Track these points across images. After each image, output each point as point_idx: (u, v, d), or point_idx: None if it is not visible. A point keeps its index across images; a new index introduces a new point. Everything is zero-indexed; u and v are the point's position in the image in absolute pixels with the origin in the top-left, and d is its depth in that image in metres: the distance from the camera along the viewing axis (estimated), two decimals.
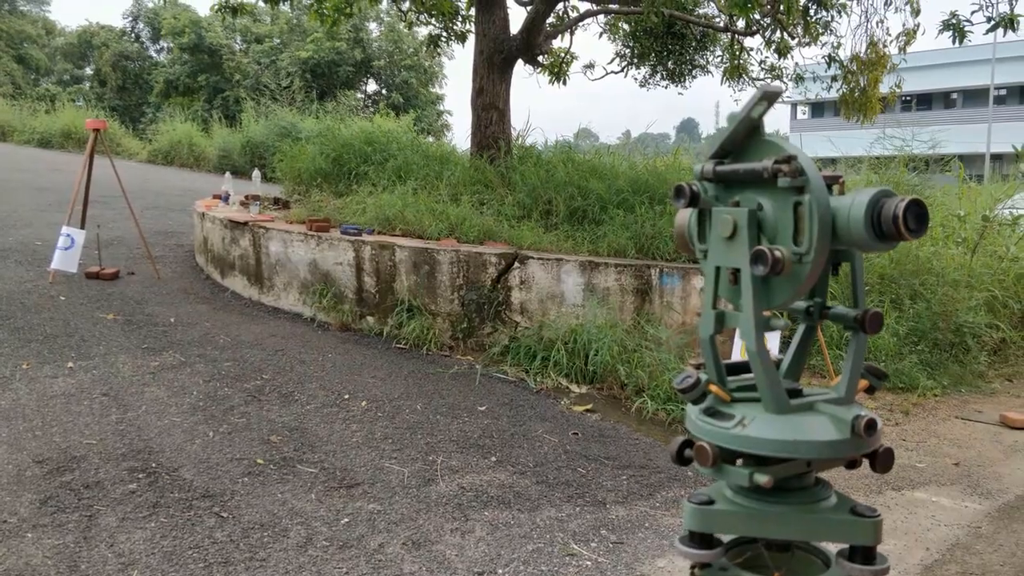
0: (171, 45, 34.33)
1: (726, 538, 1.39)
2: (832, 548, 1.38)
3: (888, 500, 4.08)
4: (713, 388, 1.36)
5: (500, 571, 3.22)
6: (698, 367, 1.41)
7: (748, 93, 13.15)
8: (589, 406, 5.29)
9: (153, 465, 3.97)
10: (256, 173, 9.51)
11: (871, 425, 1.25)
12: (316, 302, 6.77)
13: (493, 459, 4.33)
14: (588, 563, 3.32)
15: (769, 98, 1.28)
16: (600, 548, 3.46)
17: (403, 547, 3.36)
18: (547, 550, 3.41)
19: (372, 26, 32.98)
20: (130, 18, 38.51)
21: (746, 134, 1.34)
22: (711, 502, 1.35)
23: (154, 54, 38.95)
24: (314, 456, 4.21)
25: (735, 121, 1.32)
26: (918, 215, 1.17)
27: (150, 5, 37.65)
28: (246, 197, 8.88)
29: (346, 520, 3.57)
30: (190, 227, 9.94)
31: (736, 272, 1.31)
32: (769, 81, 11.21)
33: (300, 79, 27.82)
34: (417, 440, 4.50)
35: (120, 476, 3.84)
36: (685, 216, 1.48)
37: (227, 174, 10.41)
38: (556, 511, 3.78)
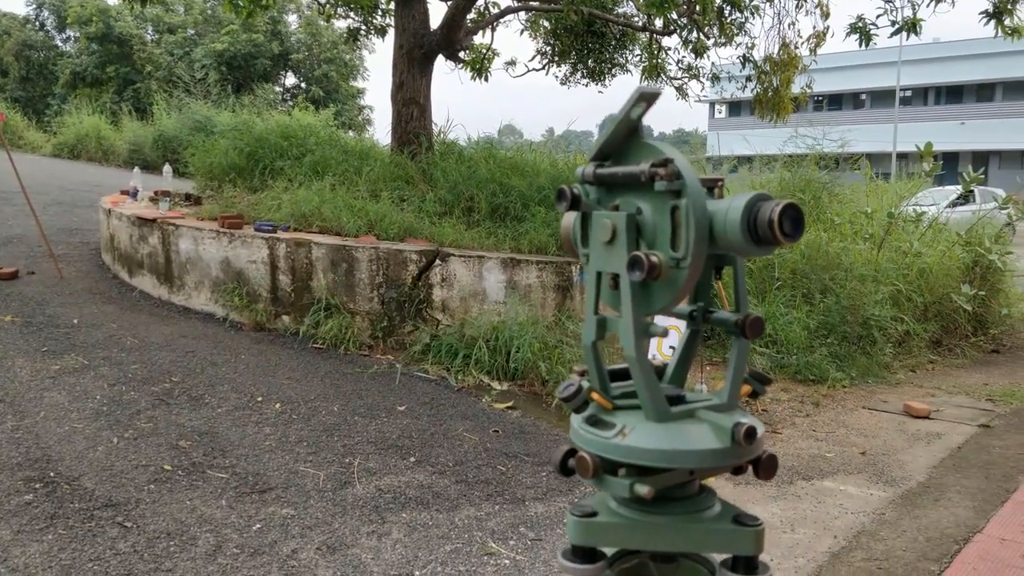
0: (78, 34, 32.95)
1: (610, 550, 1.37)
2: (718, 556, 1.38)
3: (799, 489, 4.19)
4: (595, 396, 1.33)
5: (417, 573, 3.17)
6: (582, 374, 1.38)
7: (666, 92, 13.36)
8: (510, 403, 5.27)
9: (51, 474, 3.78)
10: (167, 168, 9.19)
11: (751, 433, 1.22)
12: (229, 301, 6.57)
13: (412, 459, 4.27)
14: (506, 561, 3.30)
15: (647, 99, 1.26)
16: (519, 546, 3.44)
17: (317, 552, 3.28)
18: (465, 550, 3.37)
19: (291, 19, 32.34)
20: (34, 5, 36.80)
21: (626, 136, 1.32)
22: (594, 514, 1.31)
23: (60, 43, 37.33)
24: (225, 461, 4.07)
25: (614, 123, 1.30)
26: (794, 219, 1.15)
27: None
28: (155, 193, 8.57)
29: (258, 526, 3.46)
30: (96, 224, 9.54)
31: (616, 277, 1.29)
32: (686, 80, 11.43)
33: (215, 72, 27.07)
34: (333, 442, 4.40)
35: (15, 487, 3.64)
36: (571, 219, 1.45)
37: (136, 169, 10.03)
38: (475, 510, 3.75)
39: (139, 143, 18.21)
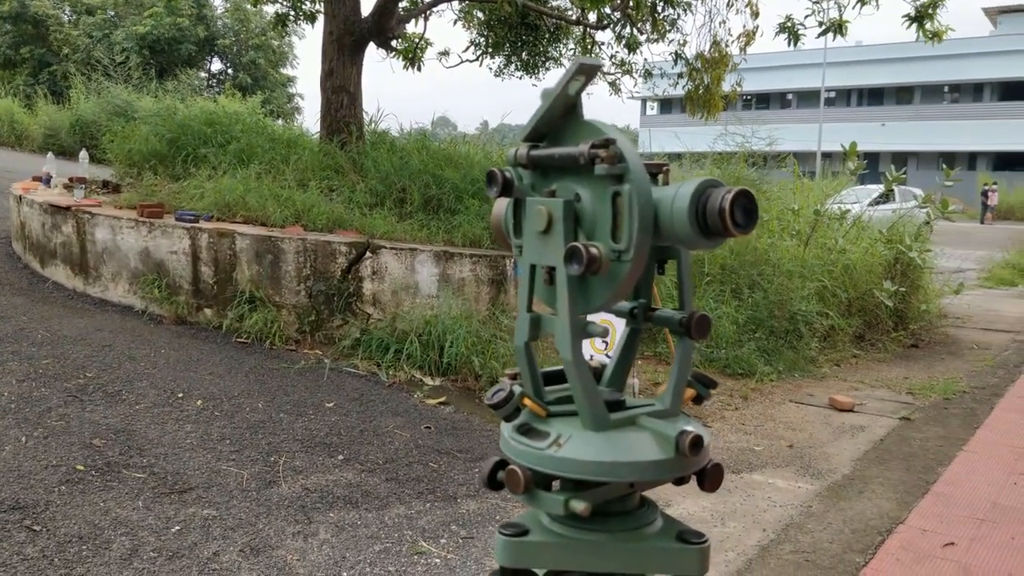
0: None
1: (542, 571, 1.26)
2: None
3: (728, 483, 4.22)
4: (527, 402, 1.22)
5: (345, 574, 3.07)
6: (514, 377, 1.26)
7: (599, 88, 13.42)
8: (443, 399, 5.19)
9: None
10: (83, 154, 8.80)
11: (697, 442, 1.13)
12: (148, 293, 6.31)
13: (340, 457, 4.15)
14: (437, 560, 3.23)
15: (586, 72, 1.14)
16: (450, 544, 3.37)
17: (240, 554, 3.15)
18: (395, 549, 3.29)
19: (217, 2, 31.46)
20: None
21: (563, 114, 1.19)
22: (525, 532, 1.21)
23: None
24: (142, 460, 3.89)
25: (550, 98, 1.16)
26: (746, 209, 1.06)
27: None
28: (70, 180, 8.19)
29: (177, 528, 3.31)
30: (6, 212, 9.08)
31: (552, 271, 1.17)
32: (619, 76, 11.49)
33: (137, 55, 26.14)
34: (258, 440, 4.25)
35: None
36: (502, 207, 1.33)
37: (49, 154, 9.57)
38: (406, 508, 3.66)
39: (55, 128, 17.45)
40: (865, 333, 7.72)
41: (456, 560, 3.24)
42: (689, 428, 1.14)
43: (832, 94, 48.81)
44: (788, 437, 5.02)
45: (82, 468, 3.75)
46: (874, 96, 50.07)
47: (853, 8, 7.84)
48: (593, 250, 1.09)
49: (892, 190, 9.37)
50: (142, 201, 6.88)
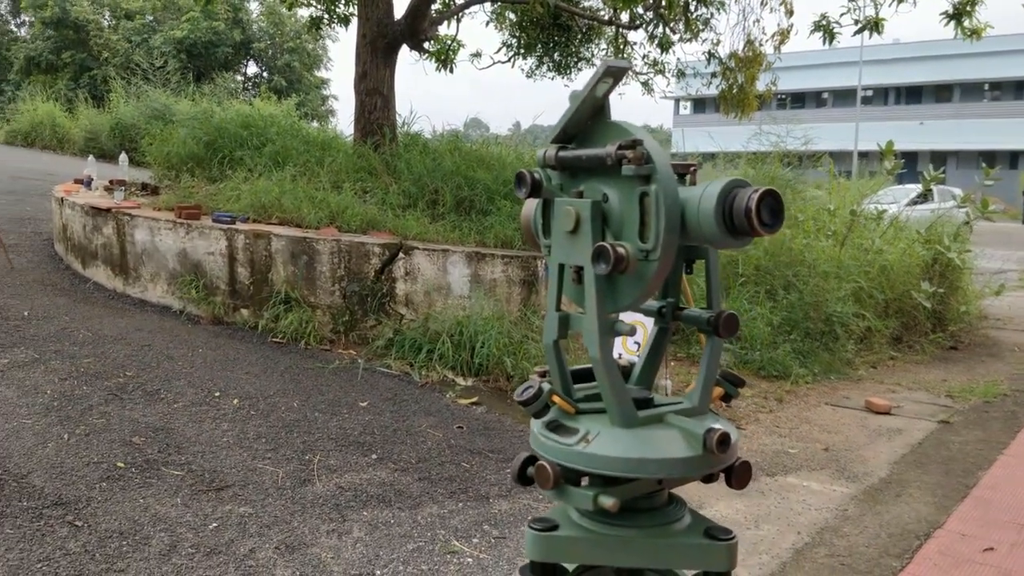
0: (32, 19, 32.11)
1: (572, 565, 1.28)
2: (688, 571, 1.29)
3: (762, 486, 4.18)
4: (556, 399, 1.24)
5: (378, 572, 3.10)
6: (543, 375, 1.28)
7: (631, 88, 13.37)
8: (475, 399, 5.21)
9: None
10: (123, 157, 8.95)
11: (724, 440, 1.15)
12: (186, 294, 6.41)
13: (374, 456, 4.19)
14: (469, 560, 3.25)
15: (614, 74, 1.16)
16: (482, 544, 3.39)
17: (275, 551, 3.19)
18: (428, 548, 3.31)
19: (252, 6, 31.86)
20: None
21: (591, 115, 1.21)
22: (555, 527, 1.22)
23: (14, 28, 36.36)
24: (181, 458, 3.96)
25: (578, 100, 1.19)
26: (772, 208, 1.07)
27: None
28: (111, 182, 8.35)
29: (214, 525, 3.36)
30: (49, 214, 9.28)
31: (580, 270, 1.19)
32: (652, 76, 11.45)
33: (175, 59, 26.55)
34: (293, 439, 4.30)
35: None
36: (531, 207, 1.35)
37: (90, 157, 9.76)
38: (438, 508, 3.68)
39: (95, 131, 17.78)
40: (903, 335, 7.60)
41: (488, 560, 3.26)
42: (717, 426, 1.15)
43: (869, 93, 48.16)
44: (823, 440, 4.96)
45: (122, 465, 3.82)
46: (912, 94, 49.28)
47: (890, 6, 7.74)
48: (620, 250, 1.11)
49: (930, 190, 9.24)
50: (180, 203, 7.00)
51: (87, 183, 8.62)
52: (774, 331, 6.43)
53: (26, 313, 6.11)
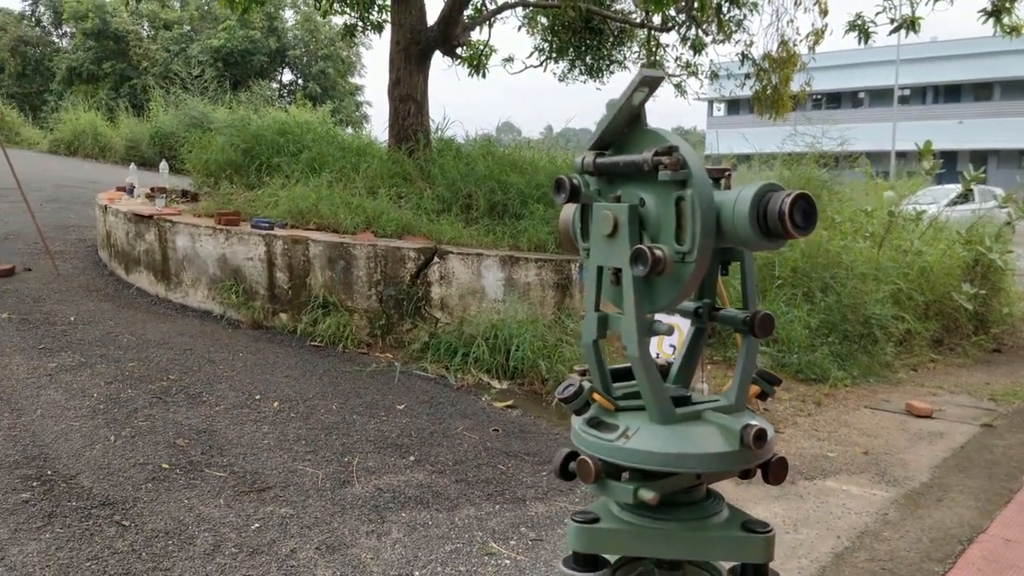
0: (74, 30, 32.83)
1: (613, 556, 1.31)
2: (726, 563, 1.32)
3: (801, 489, 4.16)
4: (596, 397, 1.27)
5: (417, 573, 3.14)
6: (583, 373, 1.32)
7: (664, 90, 13.34)
8: (510, 402, 5.24)
9: (49, 472, 3.74)
10: (163, 164, 9.15)
11: (761, 436, 1.17)
12: (226, 299, 6.53)
13: (411, 458, 4.23)
14: (507, 562, 3.27)
15: (650, 84, 1.20)
16: (519, 546, 3.41)
17: (316, 552, 3.25)
18: (465, 550, 3.34)
19: (287, 14, 32.27)
20: (30, 1, 36.68)
21: (627, 123, 1.25)
22: (596, 520, 1.26)
23: (56, 39, 37.21)
24: (223, 459, 4.03)
25: (615, 108, 1.23)
26: (805, 211, 1.10)
27: None
28: (152, 189, 8.53)
29: (257, 525, 3.42)
30: (93, 221, 9.49)
31: (618, 272, 1.23)
32: (685, 78, 11.41)
33: (212, 68, 26.98)
34: (332, 441, 4.37)
35: (12, 485, 3.60)
36: (569, 212, 1.39)
37: (132, 165, 9.97)
38: (475, 510, 3.71)
39: (136, 139, 18.14)
40: (943, 337, 7.49)
41: (526, 562, 3.28)
42: (753, 422, 1.18)
43: (906, 92, 47.42)
44: (863, 443, 4.91)
45: (167, 466, 3.91)
46: (951, 93, 48.43)
47: (926, 4, 7.64)
48: (658, 252, 1.15)
49: (971, 190, 9.10)
50: (219, 209, 7.13)
51: (129, 190, 8.80)
52: (812, 334, 6.38)
53: (72, 318, 6.27)
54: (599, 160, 1.28)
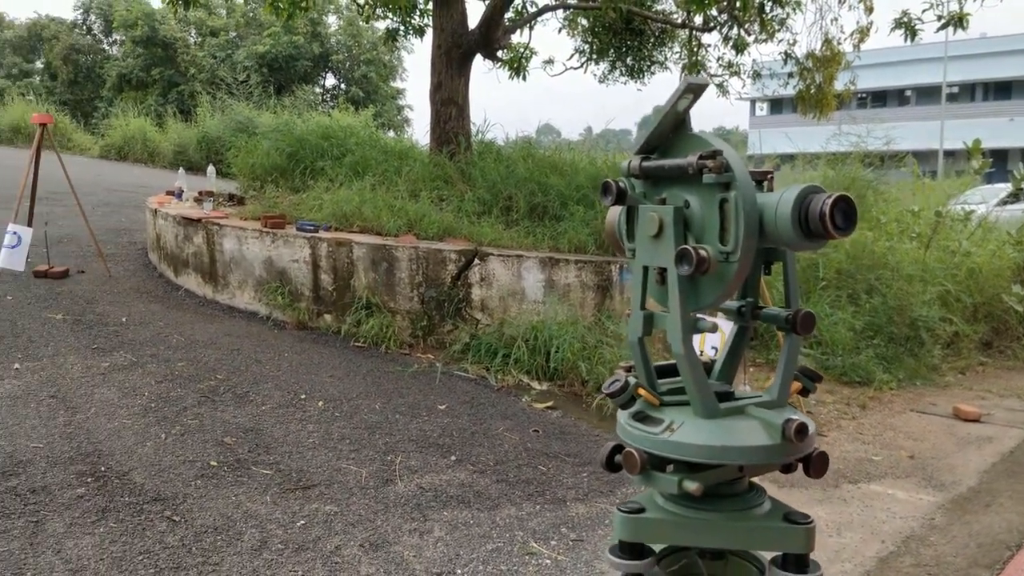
0: (124, 38, 33.63)
1: (658, 546, 1.35)
2: (767, 554, 1.35)
3: (845, 493, 4.12)
4: (642, 392, 1.32)
5: (459, 571, 3.18)
6: (628, 370, 1.37)
7: (707, 90, 13.29)
8: (550, 403, 5.26)
9: (102, 469, 3.86)
10: (211, 169, 9.34)
11: (802, 430, 1.21)
12: (272, 300, 6.66)
13: (453, 458, 4.28)
14: (548, 561, 3.30)
15: (694, 91, 1.25)
16: (560, 546, 3.43)
17: (360, 549, 3.30)
18: (506, 549, 3.37)
19: (331, 20, 32.67)
20: (81, 10, 37.63)
21: (672, 128, 1.30)
22: (642, 510, 1.31)
23: (107, 47, 38.12)
24: (269, 457, 4.12)
25: (660, 115, 1.28)
26: (845, 212, 1.14)
27: None
28: (200, 193, 8.71)
29: (302, 522, 3.49)
30: (143, 224, 9.73)
31: (663, 272, 1.28)
32: (727, 78, 11.32)
33: (257, 73, 27.43)
34: (375, 440, 4.43)
35: (68, 480, 3.72)
36: (615, 214, 1.44)
37: (180, 170, 10.20)
38: (516, 510, 3.75)
39: (183, 144, 18.51)
40: (993, 340, 7.34)
41: (567, 562, 3.30)
42: (795, 416, 1.22)
43: (955, 89, 46.37)
44: (909, 447, 4.84)
45: (215, 464, 4.00)
46: (1001, 90, 47.22)
47: (974, 0, 7.49)
48: (702, 252, 1.19)
49: (1021, 189, 8.87)
50: (265, 212, 7.27)
51: (178, 195, 9.01)
52: (856, 336, 6.29)
53: (124, 319, 6.44)
54: (645, 164, 1.33)
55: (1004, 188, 12.49)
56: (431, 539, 3.42)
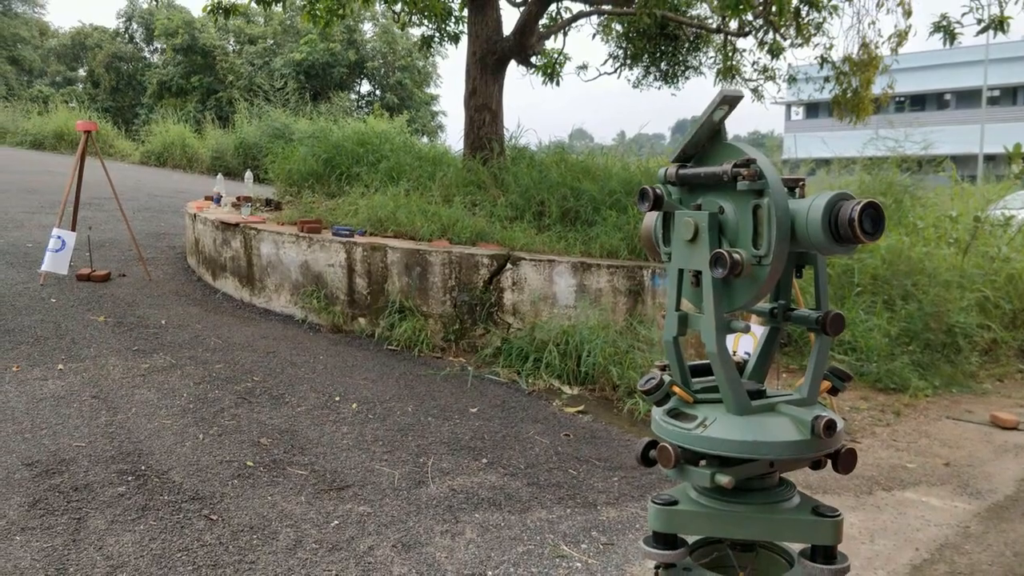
0: (164, 46, 34.26)
1: (691, 539, 1.41)
2: (796, 548, 1.38)
3: (878, 500, 4.08)
4: (676, 389, 1.37)
5: (490, 573, 3.21)
6: (663, 368, 1.42)
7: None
8: (581, 407, 5.28)
9: (142, 467, 3.96)
10: (248, 174, 9.49)
11: (831, 426, 1.25)
12: (307, 304, 6.76)
13: (484, 461, 4.32)
14: (578, 564, 3.32)
15: (730, 102, 1.30)
16: (590, 550, 3.45)
17: (393, 549, 3.35)
18: (537, 552, 3.40)
19: (366, 27, 32.99)
20: (124, 19, 38.42)
21: (708, 138, 1.36)
22: (675, 503, 1.36)
23: (148, 55, 38.86)
24: (304, 458, 4.19)
25: (697, 125, 1.34)
26: (874, 218, 1.18)
27: (144, 6, 37.57)
28: (238, 199, 8.86)
29: (336, 522, 3.55)
30: (182, 229, 9.92)
31: (698, 274, 1.33)
32: (762, 82, 11.25)
33: (294, 80, 27.78)
34: (408, 442, 4.49)
35: (109, 479, 3.82)
36: (652, 219, 1.49)
37: (219, 175, 10.39)
38: (547, 513, 3.77)
39: (221, 150, 18.80)
40: None
41: (597, 565, 3.32)
42: (824, 414, 1.26)
43: (996, 93, 45.51)
44: (944, 455, 4.79)
45: (252, 464, 4.08)
46: None
47: (1016, 3, 7.38)
48: (736, 256, 1.25)
49: None
50: (301, 218, 7.38)
51: (216, 200, 9.17)
52: (892, 342, 6.23)
53: (163, 322, 6.58)
54: (681, 171, 1.40)
55: None
56: (463, 541, 3.46)
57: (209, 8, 8.75)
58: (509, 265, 6.15)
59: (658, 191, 1.37)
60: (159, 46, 36.67)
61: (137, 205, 12.13)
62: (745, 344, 4.21)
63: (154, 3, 37.97)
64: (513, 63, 9.10)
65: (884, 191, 8.31)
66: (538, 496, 3.94)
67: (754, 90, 11.42)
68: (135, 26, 38.41)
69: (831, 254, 1.27)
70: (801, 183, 1.34)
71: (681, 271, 1.37)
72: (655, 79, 11.64)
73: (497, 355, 5.96)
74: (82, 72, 39.82)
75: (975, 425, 5.36)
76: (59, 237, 7.29)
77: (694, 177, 1.36)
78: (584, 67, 11.67)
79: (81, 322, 6.38)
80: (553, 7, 10.07)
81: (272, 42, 32.94)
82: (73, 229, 7.61)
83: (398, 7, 10.35)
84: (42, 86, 36.49)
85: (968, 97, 45.70)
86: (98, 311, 6.73)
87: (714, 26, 10.53)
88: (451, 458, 4.32)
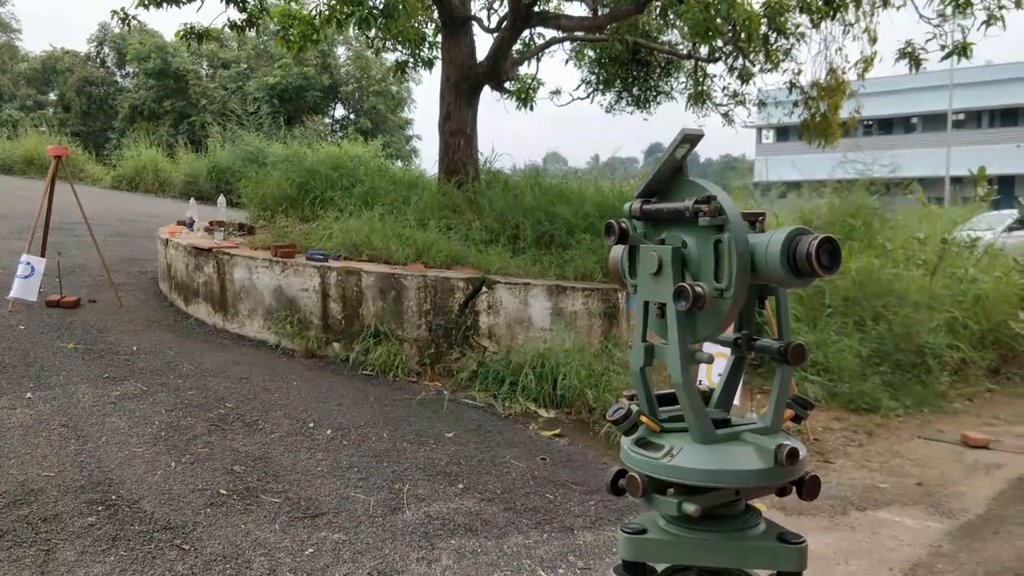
0: (137, 70, 34.08)
1: (661, 566, 1.43)
2: (763, 575, 1.40)
3: (852, 520, 4.11)
4: (643, 419, 1.40)
5: None
6: (631, 398, 1.44)
7: (712, 119, 13.37)
8: (558, 431, 5.28)
9: (113, 497, 3.89)
10: (221, 199, 9.45)
11: (793, 454, 1.28)
12: (281, 329, 6.71)
13: (460, 486, 4.29)
14: None
15: (691, 140, 1.34)
16: (568, 574, 3.44)
17: None
18: None
19: (340, 51, 33.07)
20: (95, 43, 38.19)
21: (671, 174, 1.40)
22: (644, 531, 1.38)
23: (120, 79, 38.62)
24: (278, 486, 4.15)
25: (660, 162, 1.38)
26: (831, 252, 1.21)
27: (116, 31, 37.39)
28: (210, 223, 8.81)
29: (310, 551, 3.51)
30: (154, 254, 9.82)
31: (663, 307, 1.36)
32: (732, 107, 11.42)
33: (267, 104, 27.74)
34: (383, 468, 4.46)
35: (79, 509, 3.75)
36: (619, 252, 1.54)
37: (191, 200, 10.33)
38: (524, 538, 3.76)
39: (194, 175, 18.69)
40: (1000, 367, 7.33)
41: None
42: (787, 442, 1.29)
43: (961, 116, 46.50)
44: (916, 474, 4.84)
45: (225, 492, 4.03)
46: (1007, 117, 47.28)
47: (978, 30, 7.57)
48: (699, 289, 1.29)
49: None
50: (275, 242, 7.35)
51: (189, 224, 9.11)
52: (863, 363, 6.30)
53: (135, 348, 6.50)
54: (645, 207, 1.45)
55: (1010, 214, 12.51)
56: (439, 567, 3.43)
57: (182, 33, 8.74)
58: (484, 288, 6.16)
59: (623, 225, 1.42)
60: (131, 70, 36.47)
61: (108, 230, 11.99)
62: (719, 369, 4.24)
63: (126, 28, 37.76)
64: (487, 88, 9.17)
65: (854, 213, 8.44)
66: (515, 521, 3.92)
67: (725, 114, 11.59)
68: (107, 50, 38.18)
69: (790, 287, 1.30)
70: (761, 217, 1.38)
71: (646, 303, 1.41)
72: (627, 104, 11.78)
73: (473, 379, 5.95)
74: (53, 96, 39.45)
75: (946, 444, 5.42)
76: (28, 263, 7.19)
77: (657, 212, 1.40)
78: (557, 92, 11.81)
79: (50, 349, 6.28)
80: (526, 33, 10.18)
81: (246, 66, 32.90)
82: (43, 255, 7.51)
83: (372, 33, 10.41)
84: (11, 110, 36.11)
85: (934, 121, 46.66)
86: (68, 338, 6.64)
87: (685, 52, 10.70)
88: (427, 484, 4.29)
